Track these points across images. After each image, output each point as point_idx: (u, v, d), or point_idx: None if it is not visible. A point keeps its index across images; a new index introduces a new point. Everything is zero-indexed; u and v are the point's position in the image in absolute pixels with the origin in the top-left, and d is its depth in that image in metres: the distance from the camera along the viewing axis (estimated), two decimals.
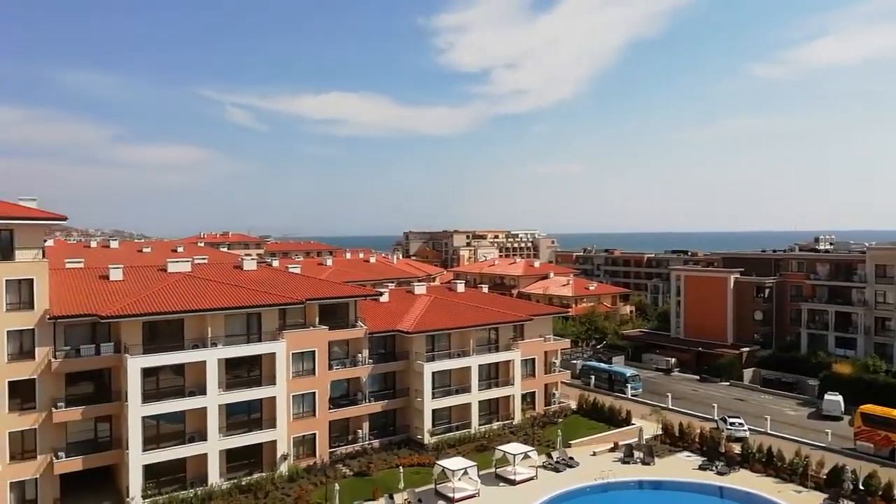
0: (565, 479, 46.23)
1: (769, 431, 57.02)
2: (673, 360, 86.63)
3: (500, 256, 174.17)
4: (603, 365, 79.70)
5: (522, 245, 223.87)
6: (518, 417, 57.95)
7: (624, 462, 49.07)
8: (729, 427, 56.16)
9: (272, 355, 46.17)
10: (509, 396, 58.15)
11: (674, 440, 53.22)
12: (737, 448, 50.25)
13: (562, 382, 66.12)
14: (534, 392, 60.99)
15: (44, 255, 41.13)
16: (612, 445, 52.25)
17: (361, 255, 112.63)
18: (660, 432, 54.34)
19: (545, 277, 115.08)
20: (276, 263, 75.07)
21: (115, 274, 47.65)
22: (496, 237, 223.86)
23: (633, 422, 57.36)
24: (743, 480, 45.40)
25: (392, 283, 75.97)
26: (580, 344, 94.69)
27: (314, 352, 48.57)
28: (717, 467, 47.29)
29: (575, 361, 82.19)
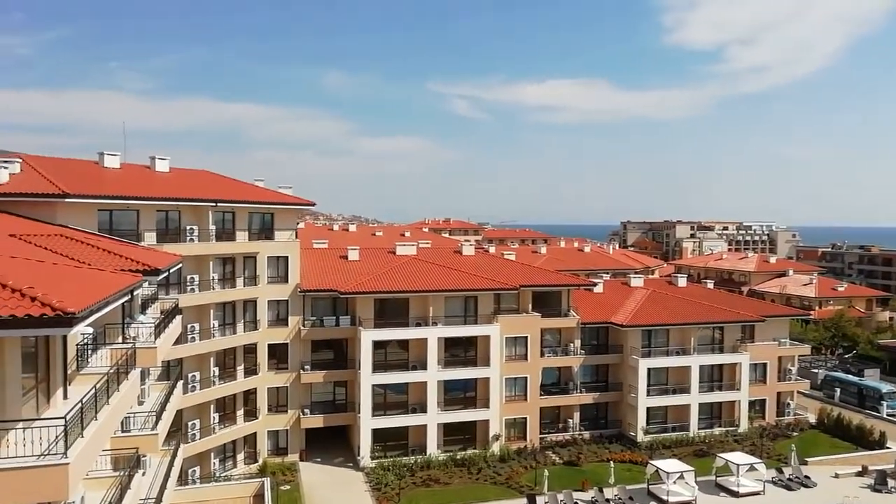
0: (798, 498, 41.50)
1: None
2: None
3: (730, 250, 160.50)
4: (852, 377, 69.67)
5: (756, 238, 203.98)
6: (744, 425, 53.25)
7: (875, 490, 42.61)
8: None
9: (487, 338, 47.83)
10: (734, 402, 53.62)
11: None
12: None
13: (798, 392, 59.31)
14: (764, 400, 55.53)
15: (296, 236, 47.09)
16: (860, 469, 45.63)
17: (576, 245, 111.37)
18: None
19: (782, 275, 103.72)
20: (492, 250, 77.46)
21: (353, 254, 52.89)
22: (725, 229, 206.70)
23: (888, 445, 49.54)
24: None
25: (607, 273, 74.07)
26: (823, 351, 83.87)
27: (527, 337, 49.36)
28: None
29: (816, 371, 73.00)
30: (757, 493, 41.82)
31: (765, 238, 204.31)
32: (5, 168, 32.02)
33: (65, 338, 15.93)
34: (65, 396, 16.06)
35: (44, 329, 11.90)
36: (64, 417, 12.44)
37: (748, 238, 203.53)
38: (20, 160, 34.68)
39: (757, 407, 55.33)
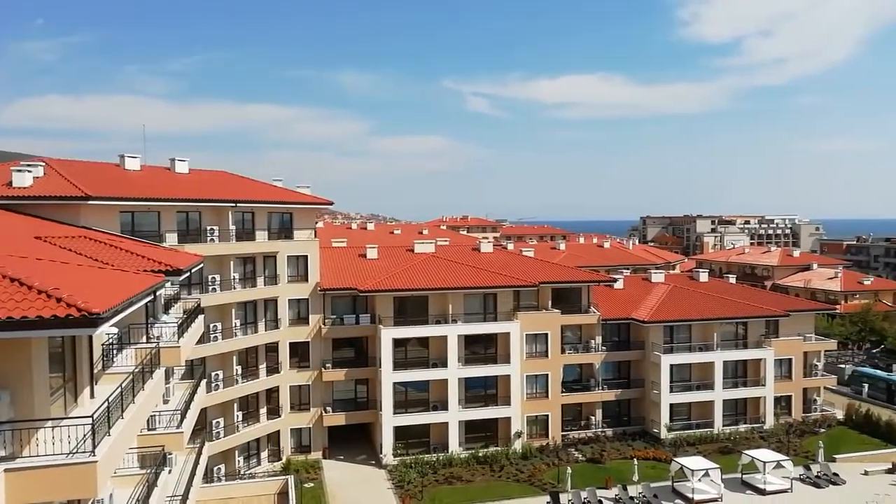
0: (827, 496, 40.84)
1: None
2: None
3: (752, 244, 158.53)
4: (880, 372, 68.38)
5: (779, 232, 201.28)
6: (769, 422, 52.51)
7: None
8: None
9: (507, 335, 47.64)
10: (759, 398, 52.89)
11: None
12: None
13: (825, 388, 58.36)
14: (790, 396, 54.73)
15: (315, 235, 47.22)
16: (890, 466, 44.79)
17: (595, 241, 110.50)
18: None
19: (806, 269, 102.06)
20: (510, 247, 77.17)
21: (372, 253, 52.94)
22: (746, 223, 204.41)
23: None
24: None
25: (627, 269, 73.40)
26: (850, 346, 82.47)
27: (547, 334, 49.08)
28: None
29: (843, 366, 71.78)
30: (784, 491, 41.19)
31: (787, 232, 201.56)
32: (29, 172, 32.41)
33: (91, 338, 16.07)
34: (92, 395, 16.20)
35: (70, 329, 11.96)
36: (91, 416, 12.53)
37: (770, 232, 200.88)
38: (43, 164, 35.12)
39: (783, 403, 54.56)
